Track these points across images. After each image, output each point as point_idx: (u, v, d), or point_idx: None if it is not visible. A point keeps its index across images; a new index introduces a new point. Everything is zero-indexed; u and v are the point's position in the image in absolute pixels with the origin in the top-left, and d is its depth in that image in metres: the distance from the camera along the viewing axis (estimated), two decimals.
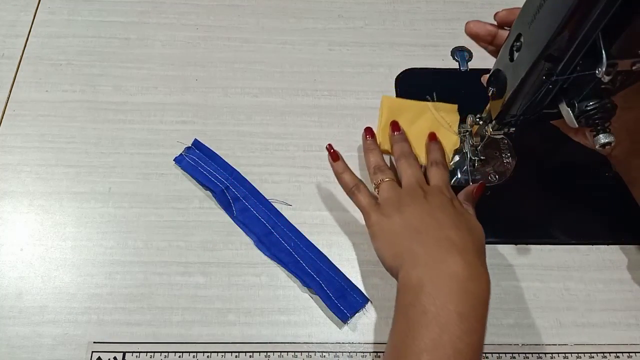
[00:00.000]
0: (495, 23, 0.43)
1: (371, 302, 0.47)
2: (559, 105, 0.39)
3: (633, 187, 0.46)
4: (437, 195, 0.44)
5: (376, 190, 0.46)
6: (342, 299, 0.46)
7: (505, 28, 0.42)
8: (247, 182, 0.51)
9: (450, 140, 0.51)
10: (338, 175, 0.48)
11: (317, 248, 0.48)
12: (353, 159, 0.53)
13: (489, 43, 0.44)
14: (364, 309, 0.46)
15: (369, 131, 0.50)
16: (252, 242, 0.49)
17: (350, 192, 0.47)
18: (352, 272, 0.48)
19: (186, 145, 0.53)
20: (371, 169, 0.48)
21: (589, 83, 0.36)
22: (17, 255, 0.48)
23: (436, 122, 0.52)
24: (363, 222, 0.50)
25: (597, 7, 0.31)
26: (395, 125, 0.50)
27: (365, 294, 0.47)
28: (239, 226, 0.50)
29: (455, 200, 0.44)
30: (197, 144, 0.53)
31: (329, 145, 0.49)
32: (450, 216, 0.42)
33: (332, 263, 0.48)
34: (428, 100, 0.54)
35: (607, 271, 0.48)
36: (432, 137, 0.50)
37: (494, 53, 0.44)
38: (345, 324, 0.46)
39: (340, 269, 0.48)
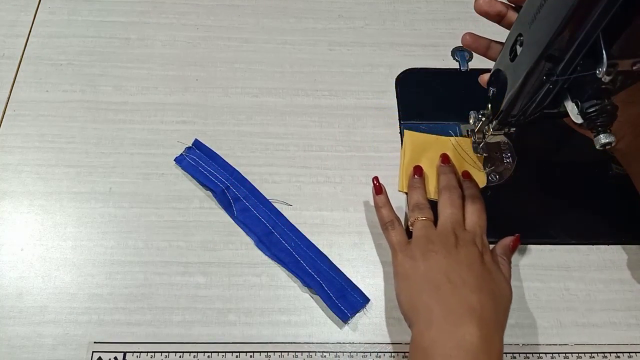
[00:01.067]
0: (506, 2, 0.42)
1: (372, 302, 0.47)
2: (564, 102, 0.39)
3: (636, 180, 0.46)
4: (469, 247, 0.43)
5: (411, 227, 0.46)
6: (342, 299, 0.46)
7: (514, 7, 0.42)
8: (247, 182, 0.51)
9: (476, 178, 0.51)
10: (377, 208, 0.48)
11: (317, 248, 0.48)
12: (353, 159, 0.53)
13: (498, 22, 0.43)
14: (364, 309, 0.46)
15: (417, 170, 0.51)
16: (253, 242, 0.49)
17: (384, 227, 0.47)
18: (352, 272, 0.48)
19: (187, 145, 0.53)
20: (410, 205, 0.48)
21: (590, 83, 0.36)
22: (17, 255, 0.48)
23: (460, 158, 0.52)
24: (363, 222, 0.50)
25: (597, 7, 0.31)
26: (444, 158, 0.51)
27: (365, 293, 0.47)
28: (240, 226, 0.50)
29: (487, 255, 0.43)
30: (197, 144, 0.53)
31: (376, 177, 0.49)
32: (476, 276, 0.41)
33: (333, 263, 0.48)
34: (451, 135, 0.53)
35: (607, 271, 0.48)
36: (466, 175, 0.50)
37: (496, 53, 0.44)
38: (345, 323, 0.46)
39: (341, 269, 0.48)
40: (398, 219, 0.47)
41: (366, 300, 0.46)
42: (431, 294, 0.41)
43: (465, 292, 0.40)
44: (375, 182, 0.49)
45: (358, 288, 0.47)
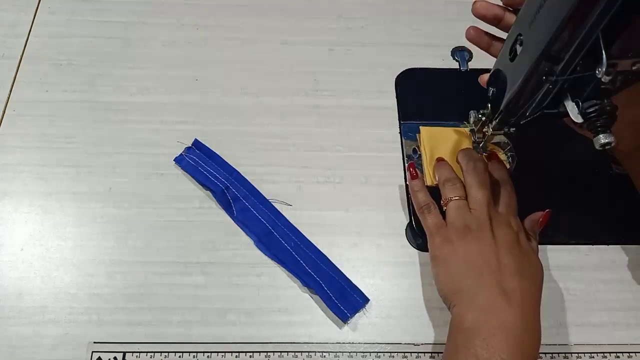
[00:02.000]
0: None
1: (372, 302, 0.47)
2: (564, 101, 0.39)
3: (637, 180, 0.46)
4: (505, 229, 0.43)
5: (444, 207, 0.46)
6: (342, 299, 0.46)
7: (511, 10, 0.42)
8: (247, 182, 0.51)
9: None
10: (413, 193, 0.48)
11: (317, 248, 0.48)
12: (353, 159, 0.53)
13: (495, 26, 0.44)
14: (364, 309, 0.46)
15: (440, 158, 0.50)
16: (252, 242, 0.49)
17: (420, 211, 0.47)
18: (352, 272, 0.48)
19: (186, 145, 0.53)
20: (441, 181, 0.47)
21: (589, 83, 0.36)
22: (17, 255, 0.48)
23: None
24: (363, 222, 0.50)
25: (597, 7, 0.31)
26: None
27: (365, 294, 0.47)
28: (239, 226, 0.50)
29: (522, 234, 0.44)
30: (197, 143, 0.53)
31: (411, 164, 0.49)
32: (515, 260, 0.41)
33: (332, 263, 0.48)
34: (466, 126, 0.53)
35: (607, 271, 0.48)
36: (494, 157, 0.50)
37: (495, 51, 0.44)
38: (345, 324, 0.46)
39: (340, 269, 0.48)
40: (434, 203, 0.47)
41: (366, 300, 0.46)
42: (472, 277, 0.41)
43: (505, 276, 0.40)
44: (411, 169, 0.49)
45: (358, 288, 0.47)
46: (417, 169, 0.49)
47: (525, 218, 0.47)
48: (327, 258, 0.48)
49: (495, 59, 0.44)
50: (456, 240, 0.43)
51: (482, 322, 0.39)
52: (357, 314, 0.46)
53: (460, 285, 0.42)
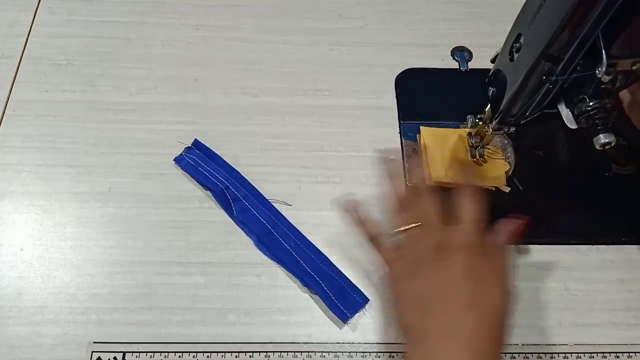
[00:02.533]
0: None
1: (371, 302, 0.47)
2: (558, 105, 0.39)
3: None
4: (461, 255, 0.40)
5: (400, 234, 0.43)
6: (342, 299, 0.46)
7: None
8: (247, 182, 0.51)
9: (497, 165, 0.51)
10: (357, 226, 0.45)
11: (317, 248, 0.48)
12: (353, 159, 0.53)
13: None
14: (364, 309, 0.46)
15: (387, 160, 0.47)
16: (252, 242, 0.49)
17: (370, 244, 0.45)
18: (352, 272, 0.48)
19: (186, 145, 0.53)
20: (394, 202, 0.45)
21: (589, 83, 0.36)
22: (17, 255, 0.48)
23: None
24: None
25: (597, 7, 0.31)
26: None
27: (365, 294, 0.47)
28: (239, 226, 0.50)
29: (482, 258, 0.40)
30: (197, 143, 0.53)
31: (347, 200, 0.46)
32: (468, 291, 0.38)
33: (332, 263, 0.48)
34: (466, 126, 0.53)
35: (607, 271, 0.48)
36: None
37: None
38: (345, 324, 0.46)
39: (340, 269, 0.48)
40: (381, 234, 0.44)
41: (366, 300, 0.46)
42: (422, 312, 0.39)
43: (455, 311, 0.38)
44: (345, 204, 0.46)
45: (358, 288, 0.47)
46: (352, 200, 0.46)
47: (497, 226, 0.43)
48: (327, 258, 0.48)
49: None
50: (409, 273, 0.41)
51: None
52: (357, 314, 0.46)
53: (411, 322, 0.39)
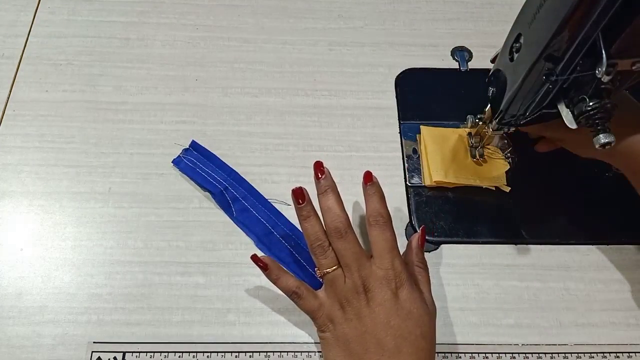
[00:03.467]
0: None
1: None
2: (558, 105, 0.39)
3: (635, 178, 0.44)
4: (381, 295, 0.40)
5: (320, 279, 0.43)
6: None
7: None
8: (245, 182, 0.51)
9: (497, 165, 0.51)
10: (274, 283, 0.43)
11: (295, 256, 0.48)
12: (353, 159, 0.53)
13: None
14: None
15: (299, 193, 0.43)
16: (252, 242, 0.49)
17: (290, 298, 0.43)
18: None
19: (184, 147, 0.53)
20: (309, 243, 0.43)
21: (589, 83, 0.36)
22: (17, 255, 0.48)
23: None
24: (363, 222, 0.50)
25: (597, 7, 0.31)
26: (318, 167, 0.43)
27: None
28: (239, 227, 0.50)
29: (403, 288, 0.40)
30: (194, 145, 0.53)
31: (254, 256, 0.43)
32: (394, 335, 0.38)
33: (310, 270, 0.48)
34: (466, 126, 0.53)
35: (607, 271, 0.48)
36: (367, 178, 0.43)
37: None
38: None
39: None
40: (299, 284, 0.43)
41: None
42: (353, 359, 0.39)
43: (384, 358, 0.38)
44: (255, 260, 0.43)
45: None
46: (262, 257, 0.43)
47: (407, 253, 0.44)
48: (305, 265, 0.48)
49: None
50: (335, 322, 0.41)
51: None
52: None
53: None
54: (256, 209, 0.50)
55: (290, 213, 0.50)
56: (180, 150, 0.53)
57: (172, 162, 0.52)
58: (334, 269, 0.42)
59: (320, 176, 0.43)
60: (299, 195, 0.43)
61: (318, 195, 0.43)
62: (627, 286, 0.48)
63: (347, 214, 0.42)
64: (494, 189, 0.51)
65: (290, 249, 0.48)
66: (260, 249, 0.48)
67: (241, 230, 0.49)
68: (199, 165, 0.51)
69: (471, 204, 0.51)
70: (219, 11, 0.62)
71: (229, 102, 0.56)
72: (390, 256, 0.41)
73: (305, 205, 0.43)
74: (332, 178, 0.43)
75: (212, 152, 0.53)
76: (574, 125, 0.38)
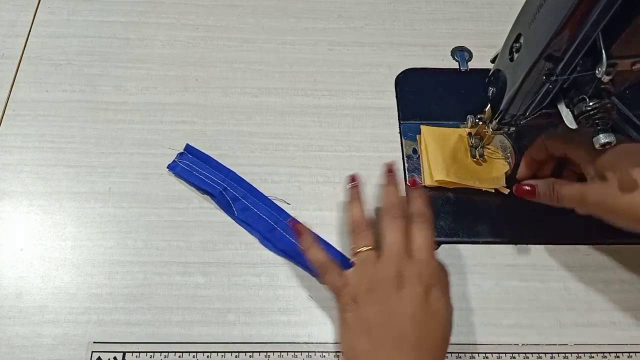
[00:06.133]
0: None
1: None
2: (558, 105, 0.39)
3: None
4: (413, 288, 0.39)
5: (353, 258, 0.43)
6: None
7: None
8: (244, 181, 0.51)
9: (497, 166, 0.51)
10: (305, 252, 0.44)
11: (322, 238, 0.49)
12: (353, 159, 0.53)
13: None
14: None
15: (352, 178, 0.47)
16: (255, 240, 0.49)
17: (317, 271, 0.44)
18: None
19: (178, 151, 0.53)
20: (350, 225, 0.45)
21: (589, 83, 0.36)
22: (17, 255, 0.48)
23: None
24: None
25: (597, 7, 0.31)
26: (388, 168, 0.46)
27: None
28: (242, 226, 0.50)
29: (433, 290, 0.40)
30: (189, 148, 0.53)
31: (292, 219, 0.45)
32: (417, 328, 0.38)
33: (339, 250, 0.48)
34: (466, 126, 0.53)
35: (607, 271, 0.48)
36: (412, 183, 0.48)
37: None
38: None
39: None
40: (328, 259, 0.43)
41: None
42: (368, 350, 0.39)
43: (403, 352, 0.38)
44: (292, 225, 0.45)
45: None
46: (300, 224, 0.45)
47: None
48: (333, 247, 0.48)
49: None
50: (359, 303, 0.40)
51: None
52: None
53: (358, 357, 0.39)
54: (257, 207, 0.50)
55: (290, 213, 0.50)
56: (175, 155, 0.53)
57: (167, 167, 0.52)
58: (368, 249, 0.42)
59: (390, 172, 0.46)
60: (352, 179, 0.47)
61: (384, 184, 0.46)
62: (627, 286, 0.48)
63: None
64: (493, 191, 0.51)
65: (295, 242, 0.48)
66: (265, 245, 0.48)
67: (241, 230, 0.49)
68: (196, 168, 0.51)
69: (471, 204, 0.51)
70: (219, 11, 0.62)
71: (229, 102, 0.56)
72: (428, 253, 0.41)
73: (355, 189, 0.46)
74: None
75: (208, 153, 0.52)
76: (574, 125, 0.38)
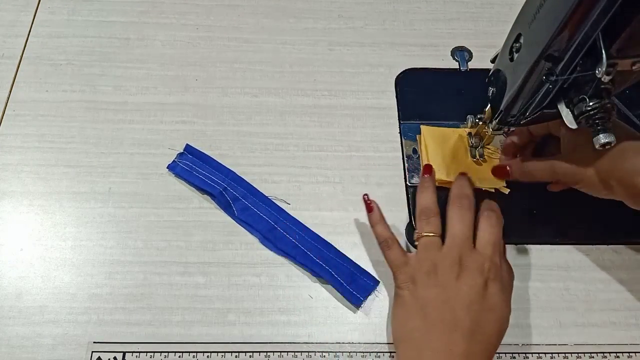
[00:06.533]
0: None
1: (371, 300, 0.46)
2: (558, 105, 0.39)
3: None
4: (472, 278, 0.40)
5: (416, 242, 0.44)
6: (353, 284, 0.46)
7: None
8: (244, 181, 0.51)
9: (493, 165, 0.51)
10: (372, 226, 0.46)
11: (321, 237, 0.49)
12: (353, 159, 0.53)
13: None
14: (375, 291, 0.47)
15: (427, 169, 0.47)
16: (255, 240, 0.49)
17: (380, 246, 0.45)
18: (358, 260, 0.48)
19: (178, 151, 0.53)
20: (418, 210, 0.45)
21: (589, 83, 0.36)
22: (17, 255, 0.48)
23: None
24: (363, 222, 0.50)
25: (597, 7, 0.31)
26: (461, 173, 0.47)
27: (374, 276, 0.47)
28: (242, 226, 0.50)
29: (494, 283, 0.40)
30: (189, 149, 0.53)
31: (366, 195, 0.47)
32: (472, 318, 0.39)
33: (339, 250, 0.48)
34: (466, 127, 0.53)
35: (607, 271, 0.48)
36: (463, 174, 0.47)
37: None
38: (358, 308, 0.46)
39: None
40: (393, 237, 0.45)
41: (376, 282, 0.47)
42: (422, 330, 0.39)
43: (455, 337, 0.38)
44: (365, 199, 0.47)
45: (367, 272, 0.47)
46: (372, 200, 0.46)
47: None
48: (333, 246, 0.48)
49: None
50: (417, 283, 0.41)
51: None
52: (358, 312, 0.46)
53: (409, 335, 0.40)
54: (257, 207, 0.50)
55: (290, 213, 0.50)
56: (175, 155, 0.53)
57: (167, 167, 0.52)
58: (433, 235, 0.43)
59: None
60: (427, 170, 0.47)
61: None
62: (627, 286, 0.48)
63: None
64: (493, 190, 0.51)
65: (295, 242, 0.48)
66: (265, 245, 0.48)
67: (241, 231, 0.49)
68: (196, 168, 0.51)
69: None
70: (219, 11, 0.62)
71: (229, 102, 0.56)
72: (493, 248, 0.42)
73: (429, 178, 0.46)
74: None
75: (208, 153, 0.52)
76: (574, 125, 0.38)
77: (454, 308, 0.39)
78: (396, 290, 0.43)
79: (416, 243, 0.44)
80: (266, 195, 0.51)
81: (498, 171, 0.49)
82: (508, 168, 0.47)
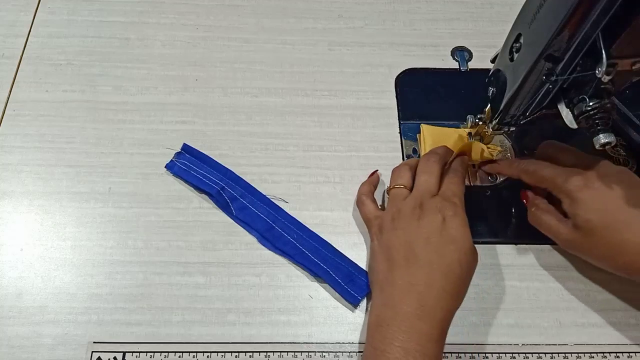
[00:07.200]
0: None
1: None
2: (558, 105, 0.39)
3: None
4: (431, 216, 0.42)
5: (387, 193, 0.48)
6: (351, 283, 0.46)
7: None
8: (242, 180, 0.51)
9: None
10: (359, 188, 0.50)
11: (319, 236, 0.49)
12: (352, 159, 0.53)
13: None
14: None
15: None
16: (255, 240, 0.49)
17: (357, 204, 0.49)
18: (356, 259, 0.48)
19: (176, 151, 0.53)
20: (393, 174, 0.49)
21: (589, 83, 0.36)
22: (17, 255, 0.48)
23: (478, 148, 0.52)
24: (363, 222, 0.50)
25: (597, 7, 0.31)
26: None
27: None
28: (240, 225, 0.50)
29: (452, 220, 0.42)
30: (186, 148, 0.53)
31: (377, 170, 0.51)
32: (429, 250, 0.41)
33: (336, 249, 0.48)
34: (466, 127, 0.53)
35: (607, 271, 0.48)
36: (461, 154, 0.49)
37: None
38: (356, 307, 0.46)
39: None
40: (369, 193, 0.49)
41: None
42: (386, 270, 0.42)
43: (413, 270, 0.41)
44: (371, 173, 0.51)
45: (364, 271, 0.47)
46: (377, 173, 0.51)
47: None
48: (331, 245, 0.48)
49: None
50: (385, 230, 0.44)
51: (382, 316, 0.40)
52: (358, 312, 0.46)
53: (376, 278, 0.43)
54: (255, 206, 0.50)
55: (289, 212, 0.50)
56: (173, 155, 0.52)
57: (165, 166, 0.52)
58: (401, 187, 0.46)
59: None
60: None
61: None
62: (626, 286, 0.48)
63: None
64: (489, 183, 0.51)
65: (293, 241, 0.48)
66: (263, 245, 0.48)
67: (241, 231, 0.49)
68: (193, 167, 0.51)
69: (471, 204, 0.51)
70: (219, 11, 0.62)
71: (229, 102, 0.56)
72: (452, 192, 0.44)
73: (415, 158, 0.50)
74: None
75: (208, 153, 0.52)
76: (574, 125, 0.38)
77: (413, 244, 0.42)
78: (370, 243, 0.46)
79: (387, 196, 0.46)
80: (264, 194, 0.51)
81: (524, 198, 0.49)
82: (527, 200, 0.48)
